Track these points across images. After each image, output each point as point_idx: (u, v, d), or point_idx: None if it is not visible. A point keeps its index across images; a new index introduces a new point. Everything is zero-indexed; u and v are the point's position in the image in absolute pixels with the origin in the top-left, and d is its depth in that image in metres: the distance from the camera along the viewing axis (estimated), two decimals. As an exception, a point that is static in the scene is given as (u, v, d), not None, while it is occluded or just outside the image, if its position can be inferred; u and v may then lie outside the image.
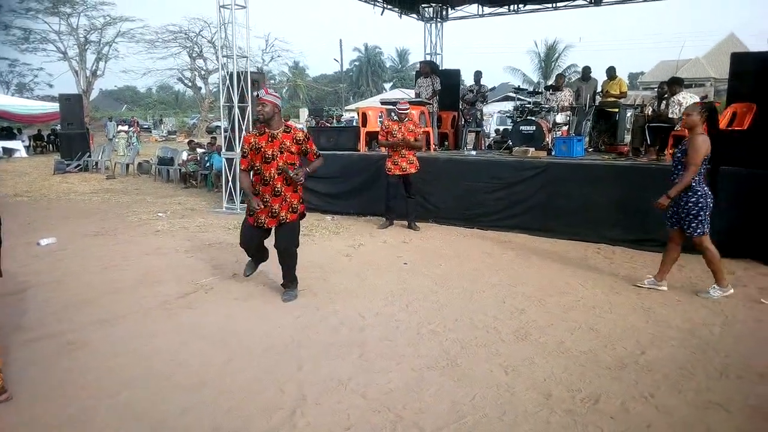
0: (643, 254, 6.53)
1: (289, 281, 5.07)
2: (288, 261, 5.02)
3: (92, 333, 4.22)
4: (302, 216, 5.06)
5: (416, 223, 8.09)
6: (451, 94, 12.08)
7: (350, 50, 65.68)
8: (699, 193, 4.86)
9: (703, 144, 4.75)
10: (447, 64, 14.55)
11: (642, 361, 3.70)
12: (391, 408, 3.13)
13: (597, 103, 11.08)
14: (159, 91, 62.68)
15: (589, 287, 5.32)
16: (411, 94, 13.70)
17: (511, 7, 14.31)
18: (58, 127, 20.80)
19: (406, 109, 8.10)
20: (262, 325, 4.39)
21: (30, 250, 6.86)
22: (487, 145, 12.73)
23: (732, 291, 5.03)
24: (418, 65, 13.16)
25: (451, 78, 12.43)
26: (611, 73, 10.90)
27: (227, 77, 9.81)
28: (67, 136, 17.91)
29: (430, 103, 10.90)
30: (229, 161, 9.93)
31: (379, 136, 8.33)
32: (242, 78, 9.69)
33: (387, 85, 60.28)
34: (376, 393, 3.30)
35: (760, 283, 5.43)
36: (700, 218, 4.88)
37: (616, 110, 10.46)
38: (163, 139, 36.25)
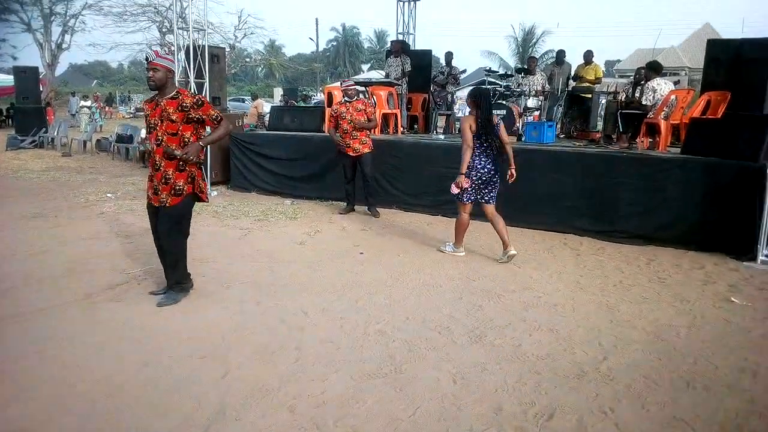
0: (611, 245, 6.26)
1: (172, 280, 4.37)
2: (168, 254, 4.35)
3: (1, 329, 3.77)
4: (192, 199, 4.32)
5: (376, 209, 7.70)
6: (422, 75, 11.64)
7: (328, 30, 64.61)
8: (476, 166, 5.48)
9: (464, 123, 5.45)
10: (421, 45, 14.09)
11: (603, 368, 3.38)
12: (320, 425, 2.76)
13: (570, 88, 10.78)
14: (130, 66, 60.89)
15: (553, 282, 5.01)
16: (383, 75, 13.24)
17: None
18: (16, 101, 19.86)
19: (353, 87, 7.82)
20: (191, 323, 3.97)
21: (-44, 233, 6.32)
22: (458, 129, 12.35)
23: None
24: (390, 46, 12.68)
25: (423, 59, 11.97)
26: (588, 57, 10.58)
27: (182, 51, 9.26)
28: (22, 111, 17.06)
29: (399, 84, 10.46)
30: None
31: (328, 124, 7.95)
32: (199, 52, 9.13)
33: (365, 66, 59.47)
34: (306, 406, 2.92)
35: (729, 279, 5.17)
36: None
37: (590, 96, 10.18)
38: (131, 116, 35.12)
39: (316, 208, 8.20)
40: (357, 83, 13.07)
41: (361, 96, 7.83)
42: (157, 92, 4.24)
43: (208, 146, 9.01)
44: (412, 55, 11.33)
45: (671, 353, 3.63)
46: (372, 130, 7.94)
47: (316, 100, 29.44)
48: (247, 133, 10.56)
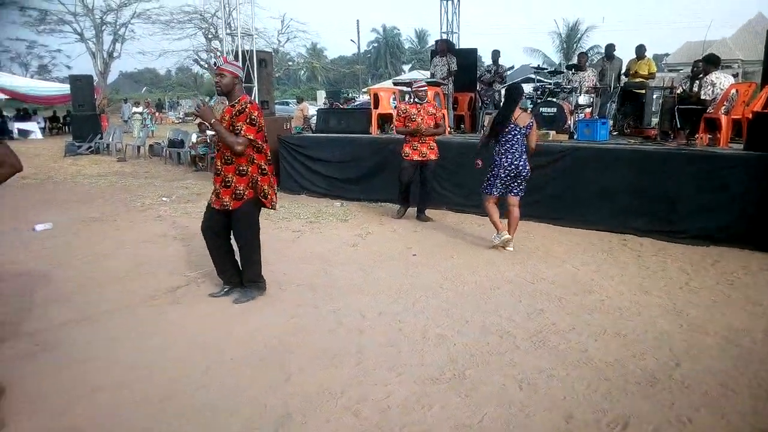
0: (672, 246, 6.02)
1: (247, 279, 4.53)
2: (240, 252, 4.50)
3: (66, 332, 3.88)
4: (255, 204, 4.38)
5: (427, 215, 7.46)
6: (467, 74, 11.51)
7: (369, 31, 64.79)
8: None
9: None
10: (464, 43, 13.96)
11: (676, 375, 3.24)
12: (385, 429, 2.73)
13: (622, 83, 10.47)
14: (178, 72, 62.46)
15: (615, 284, 4.84)
16: (428, 75, 13.18)
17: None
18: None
19: (424, 88, 7.35)
20: (250, 326, 4.00)
21: (23, 236, 6.57)
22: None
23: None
24: (434, 46, 12.60)
25: (468, 58, 11.84)
26: (640, 51, 10.24)
27: (231, 57, 9.40)
28: (78, 118, 17.65)
29: (445, 84, 10.38)
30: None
31: (396, 122, 7.59)
32: (248, 57, 9.26)
33: (406, 67, 59.39)
34: (371, 410, 2.90)
35: (804, 282, 4.91)
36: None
37: (643, 91, 9.85)
38: (180, 121, 36.05)
39: (365, 209, 8.20)
40: (398, 83, 13.09)
41: (429, 96, 7.41)
42: (225, 97, 4.32)
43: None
44: (457, 54, 11.22)
45: (748, 359, 3.45)
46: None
47: (358, 102, 29.62)
48: (294, 135, 10.66)
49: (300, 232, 6.83)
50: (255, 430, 2.74)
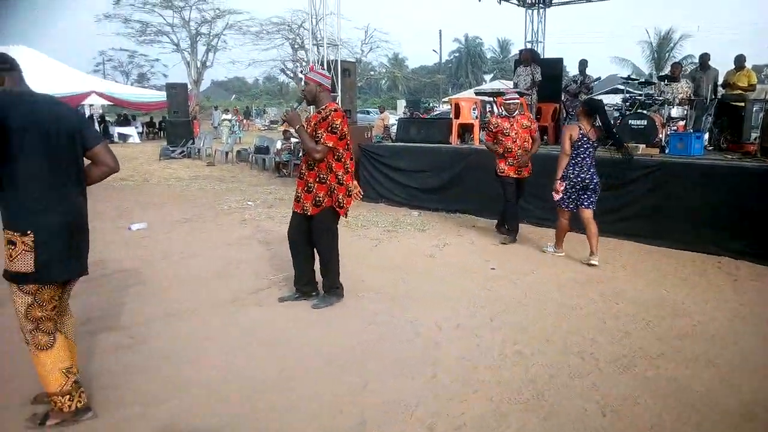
0: (774, 271, 5.61)
1: (326, 285, 4.63)
2: (323, 262, 4.59)
3: (155, 328, 4.09)
4: (333, 212, 4.43)
5: (514, 235, 6.83)
6: (552, 84, 11.25)
7: (450, 41, 64.75)
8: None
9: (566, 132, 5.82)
10: (549, 53, 13.68)
11: (778, 412, 3.01)
12: (461, 447, 2.69)
13: (719, 95, 9.89)
14: (265, 81, 64.90)
15: (709, 310, 4.56)
16: (510, 85, 12.99)
17: (624, -9, 13.12)
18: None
19: (515, 101, 6.77)
20: (329, 331, 4.07)
21: (120, 235, 7.00)
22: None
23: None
24: (518, 55, 12.42)
25: (553, 68, 11.57)
26: (739, 62, 9.66)
27: (317, 66, 9.64)
28: (173, 124, 18.68)
29: (528, 94, 10.19)
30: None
31: (485, 137, 7.17)
32: (332, 66, 9.48)
33: (487, 77, 58.77)
34: (446, 426, 2.86)
35: None
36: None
37: (742, 104, 9.26)
38: (265, 128, 37.36)
39: (443, 220, 8.17)
40: (480, 93, 12.94)
41: (521, 108, 6.87)
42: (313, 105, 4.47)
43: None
44: (541, 63, 11.00)
45: None
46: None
47: (438, 112, 29.60)
48: (375, 144, 10.79)
49: (378, 240, 6.89)
50: (331, 436, 2.78)
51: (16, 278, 2.61)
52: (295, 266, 4.69)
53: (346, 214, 4.54)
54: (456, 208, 8.53)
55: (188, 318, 4.32)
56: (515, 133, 6.64)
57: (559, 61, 12.16)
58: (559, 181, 5.80)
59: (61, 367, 2.74)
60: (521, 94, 10.04)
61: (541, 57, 12.39)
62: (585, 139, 5.70)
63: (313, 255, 4.67)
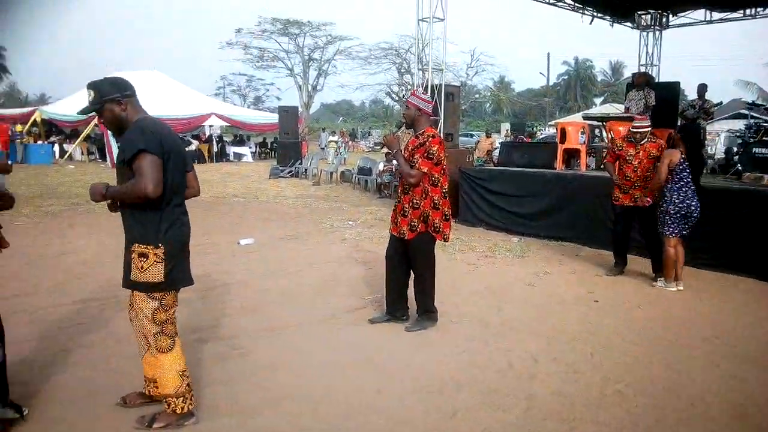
0: None
1: (421, 309, 4.62)
2: (417, 286, 4.61)
3: (258, 340, 4.28)
4: (429, 237, 4.44)
5: (663, 278, 5.94)
6: (667, 108, 10.66)
7: (559, 64, 63.24)
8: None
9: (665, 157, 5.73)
10: (664, 76, 13.01)
11: None
12: (553, 487, 2.58)
13: None
14: (371, 104, 66.69)
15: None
16: (621, 109, 12.47)
17: (747, 11, 12.27)
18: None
19: (644, 131, 6.16)
20: (421, 355, 4.06)
21: (230, 249, 7.41)
22: (709, 168, 11.01)
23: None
24: (631, 78, 11.91)
25: (669, 91, 10.98)
26: None
27: (421, 90, 9.78)
28: (283, 145, 19.60)
29: (641, 119, 9.70)
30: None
31: (608, 157, 6.70)
32: (436, 91, 9.56)
33: (597, 100, 56.78)
34: (538, 463, 2.76)
35: None
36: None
37: None
38: (370, 149, 38.25)
39: (544, 247, 7.93)
40: (589, 117, 12.50)
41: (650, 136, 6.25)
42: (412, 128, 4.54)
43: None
44: (656, 87, 10.47)
45: None
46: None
47: (543, 135, 28.91)
48: (475, 168, 10.72)
49: (475, 265, 6.81)
50: (418, 462, 2.76)
51: (147, 287, 2.83)
52: (387, 289, 4.75)
53: (444, 239, 4.53)
54: (559, 235, 8.26)
55: (288, 332, 4.48)
56: (638, 162, 6.14)
57: (675, 85, 11.53)
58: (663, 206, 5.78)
59: (178, 369, 2.95)
60: (632, 119, 9.63)
61: (656, 80, 11.80)
62: (686, 164, 5.67)
63: (407, 279, 4.69)
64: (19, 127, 23.06)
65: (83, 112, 2.97)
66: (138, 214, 2.80)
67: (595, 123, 12.60)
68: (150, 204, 2.75)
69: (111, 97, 2.76)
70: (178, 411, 2.95)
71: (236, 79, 52.68)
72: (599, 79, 63.19)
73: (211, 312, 4.91)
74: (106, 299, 5.11)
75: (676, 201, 5.63)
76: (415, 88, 4.58)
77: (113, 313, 4.72)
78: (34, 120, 23.24)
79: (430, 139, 4.34)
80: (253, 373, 3.71)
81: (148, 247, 2.78)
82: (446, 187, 4.48)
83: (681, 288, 5.77)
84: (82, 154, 23.49)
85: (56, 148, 23.26)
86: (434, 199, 4.39)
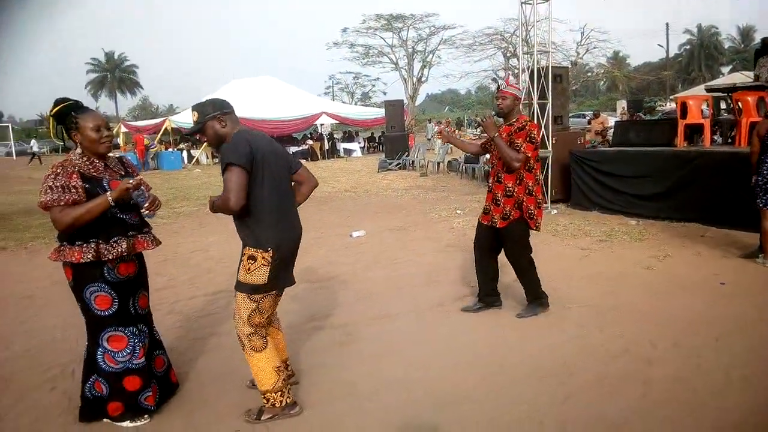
0: None
1: (529, 296, 4.62)
2: (517, 273, 4.62)
3: (368, 328, 4.46)
4: (522, 224, 4.39)
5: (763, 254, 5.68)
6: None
7: (680, 33, 58.71)
8: None
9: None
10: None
11: None
12: (671, 473, 2.51)
13: None
14: (477, 92, 65.77)
15: None
16: (751, 77, 11.42)
17: None
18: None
19: None
20: (531, 342, 4.05)
21: (342, 241, 7.73)
22: None
23: None
24: (760, 43, 10.86)
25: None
26: None
27: (527, 74, 9.57)
28: (390, 138, 19.93)
29: (773, 87, 8.87)
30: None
31: (754, 140, 5.77)
32: (542, 74, 9.31)
33: (725, 69, 52.18)
34: (655, 448, 2.69)
35: None
36: None
37: None
38: (476, 137, 37.78)
39: (665, 229, 7.50)
40: (713, 89, 11.54)
41: None
42: (503, 119, 4.47)
43: (548, 166, 9.12)
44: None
45: None
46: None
47: (663, 111, 27.06)
48: (588, 149, 10.32)
49: (589, 250, 6.60)
50: (529, 444, 2.79)
51: (249, 289, 3.00)
52: (478, 277, 4.76)
53: (537, 227, 4.44)
54: (681, 216, 7.77)
55: (399, 320, 4.64)
56: None
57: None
58: (753, 177, 5.69)
59: (273, 365, 3.10)
60: (764, 88, 8.82)
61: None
62: None
63: (497, 268, 4.69)
64: (146, 141, 25.28)
65: (189, 132, 3.19)
66: (246, 219, 2.96)
67: (720, 95, 11.67)
68: (252, 210, 2.91)
69: (212, 115, 2.97)
70: (278, 405, 3.11)
71: (343, 78, 54.24)
72: (726, 47, 58.03)
73: (325, 302, 5.19)
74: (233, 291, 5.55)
75: (765, 172, 5.52)
76: (507, 77, 4.47)
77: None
78: (165, 129, 25.35)
79: (529, 123, 4.30)
80: (366, 359, 3.89)
81: (258, 250, 2.94)
82: (539, 173, 4.41)
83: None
84: (207, 158, 25.31)
85: (185, 154, 25.25)
86: (528, 186, 4.32)
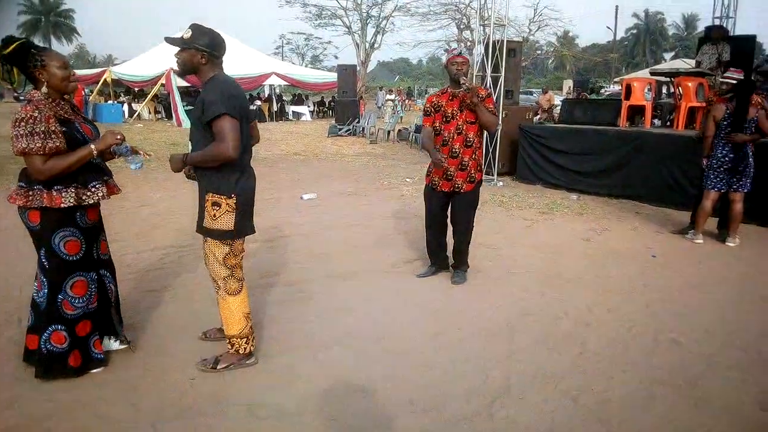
0: None
1: (462, 261, 4.77)
2: (462, 237, 4.71)
3: (324, 286, 4.56)
4: (480, 184, 4.64)
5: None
6: (741, 64, 10.10)
7: (629, 16, 60.27)
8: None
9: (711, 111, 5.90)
10: (740, 30, 12.33)
11: None
12: (603, 420, 2.74)
13: None
14: (428, 62, 65.75)
15: None
16: (693, 64, 11.95)
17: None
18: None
19: (732, 81, 5.77)
20: (478, 303, 4.25)
21: (293, 203, 7.73)
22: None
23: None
24: (704, 32, 11.35)
25: (744, 45, 10.40)
26: None
27: (482, 46, 9.69)
28: (341, 103, 19.77)
29: (712, 75, 9.34)
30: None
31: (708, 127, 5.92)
32: (497, 47, 9.45)
33: (667, 55, 54.13)
34: (590, 400, 2.92)
35: None
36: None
37: None
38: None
39: (604, 204, 7.89)
40: (657, 72, 12.03)
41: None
42: (453, 84, 4.56)
43: (497, 139, 9.34)
44: (731, 41, 9.97)
45: None
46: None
47: (608, 93, 27.94)
48: (535, 125, 10.61)
49: (532, 221, 6.88)
50: (478, 395, 2.97)
51: (218, 234, 3.03)
52: (431, 244, 4.89)
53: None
54: (620, 193, 8.18)
55: (351, 279, 4.75)
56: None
57: (750, 39, 10.88)
58: (704, 159, 5.95)
59: (244, 311, 3.17)
60: (703, 75, 9.28)
61: (731, 34, 11.21)
62: (731, 120, 5.68)
63: (446, 232, 4.84)
64: (85, 90, 24.08)
65: (169, 39, 3.06)
66: (214, 167, 2.96)
67: (662, 79, 12.17)
68: None
69: (201, 48, 2.91)
70: (241, 351, 3.18)
71: (295, 38, 52.94)
72: (671, 33, 60.05)
73: (278, 260, 5.23)
74: (183, 247, 5.51)
75: (719, 155, 5.75)
76: (451, 48, 4.65)
77: (191, 260, 5.11)
78: (104, 80, 24.22)
79: (489, 92, 4.47)
80: (320, 314, 3.99)
81: (221, 197, 2.97)
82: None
83: (731, 244, 5.85)
84: (150, 113, 24.41)
85: (125, 107, 24.26)
86: (480, 149, 4.61)
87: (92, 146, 2.80)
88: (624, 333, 3.74)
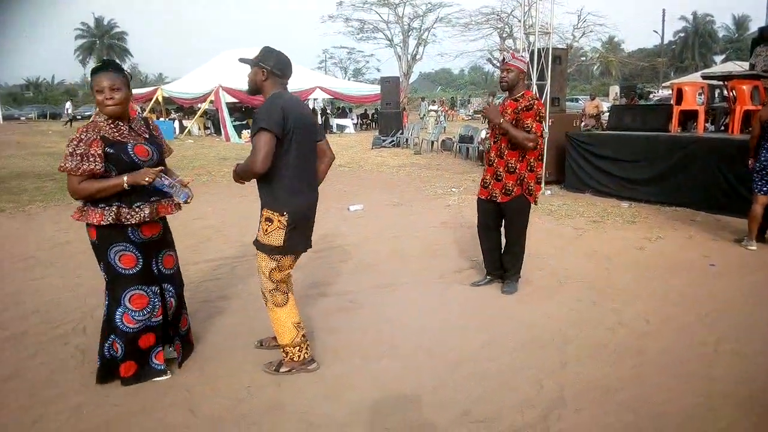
0: None
1: (511, 272, 4.68)
2: (509, 247, 4.68)
3: (374, 296, 4.60)
4: (523, 200, 4.46)
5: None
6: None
7: (676, 19, 58.75)
8: None
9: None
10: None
11: None
12: (663, 433, 2.68)
13: None
14: (470, 72, 65.61)
15: None
16: (746, 67, 11.56)
17: None
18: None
19: None
20: (530, 313, 4.20)
21: (341, 214, 7.83)
22: None
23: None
24: (758, 32, 10.98)
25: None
26: None
27: (526, 54, 9.62)
28: (384, 115, 19.93)
29: (766, 77, 9.02)
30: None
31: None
32: (542, 55, 9.38)
33: (718, 58, 52.45)
34: (649, 412, 2.85)
35: None
36: None
37: None
38: (469, 117, 37.81)
39: (657, 212, 7.69)
40: (708, 76, 11.67)
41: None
42: (507, 93, 4.53)
43: (545, 147, 9.25)
44: (789, 41, 9.61)
45: None
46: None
47: (657, 98, 27.25)
48: (583, 132, 10.45)
49: (583, 230, 6.76)
50: (532, 406, 2.93)
51: (268, 249, 3.12)
52: (485, 252, 4.83)
53: (535, 202, 4.57)
54: (673, 201, 7.96)
55: (401, 289, 4.78)
56: None
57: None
58: (750, 161, 5.83)
59: (293, 321, 3.25)
60: (758, 77, 8.97)
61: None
62: None
63: (500, 241, 4.79)
64: (137, 108, 24.94)
65: (241, 60, 3.25)
66: (269, 182, 3.06)
67: (715, 83, 11.80)
68: (275, 173, 3.00)
69: (265, 67, 3.07)
70: (295, 359, 3.26)
71: (337, 52, 53.70)
72: (721, 36, 58.20)
73: (328, 270, 5.30)
74: (235, 258, 5.65)
75: (762, 159, 5.64)
76: (513, 51, 4.55)
77: (244, 272, 5.23)
78: (156, 98, 25.08)
79: (536, 101, 4.36)
80: (370, 325, 4.02)
81: (274, 213, 3.06)
82: (543, 149, 4.50)
83: (753, 247, 5.76)
84: (199, 129, 25.13)
85: (176, 124, 25.05)
86: (530, 162, 4.42)
87: (124, 178, 2.88)
88: (682, 344, 3.64)
